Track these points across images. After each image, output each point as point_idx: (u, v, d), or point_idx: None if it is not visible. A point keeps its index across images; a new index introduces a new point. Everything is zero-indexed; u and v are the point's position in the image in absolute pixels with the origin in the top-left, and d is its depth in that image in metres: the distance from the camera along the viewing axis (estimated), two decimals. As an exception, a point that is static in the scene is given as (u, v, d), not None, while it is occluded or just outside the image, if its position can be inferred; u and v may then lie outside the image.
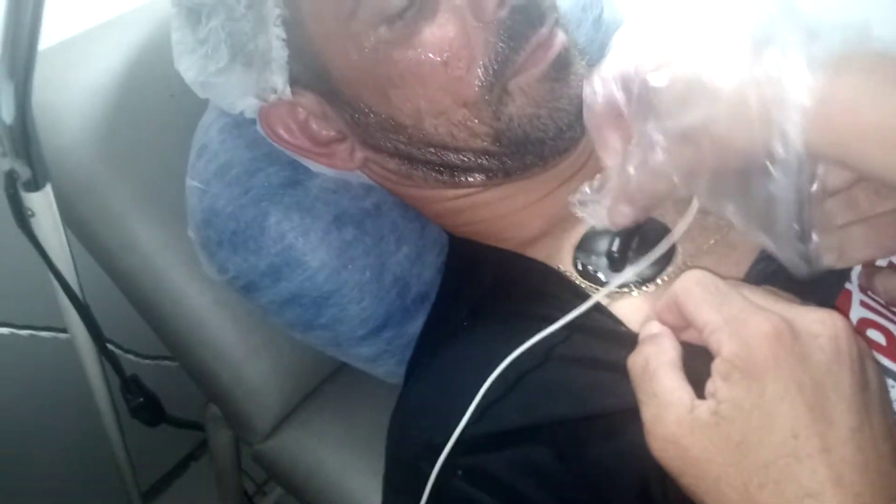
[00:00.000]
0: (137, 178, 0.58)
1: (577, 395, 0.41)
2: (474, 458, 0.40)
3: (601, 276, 0.46)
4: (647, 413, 0.32)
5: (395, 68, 0.44)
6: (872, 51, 0.30)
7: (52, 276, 0.59)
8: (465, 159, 0.48)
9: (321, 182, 0.52)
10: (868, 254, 0.37)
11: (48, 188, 0.54)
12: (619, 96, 0.35)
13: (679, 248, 0.46)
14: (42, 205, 0.54)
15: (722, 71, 0.31)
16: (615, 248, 0.46)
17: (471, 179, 0.50)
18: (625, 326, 0.44)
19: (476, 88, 0.44)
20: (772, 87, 0.29)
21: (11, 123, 0.47)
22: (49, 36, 0.45)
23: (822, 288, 0.41)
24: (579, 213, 0.40)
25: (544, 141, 0.46)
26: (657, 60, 0.33)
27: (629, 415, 0.33)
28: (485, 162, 0.48)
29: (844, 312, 0.42)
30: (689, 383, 0.32)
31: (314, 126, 0.50)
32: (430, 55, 0.43)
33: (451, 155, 0.48)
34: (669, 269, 0.46)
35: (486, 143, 0.46)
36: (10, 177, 0.52)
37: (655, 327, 0.34)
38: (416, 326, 0.55)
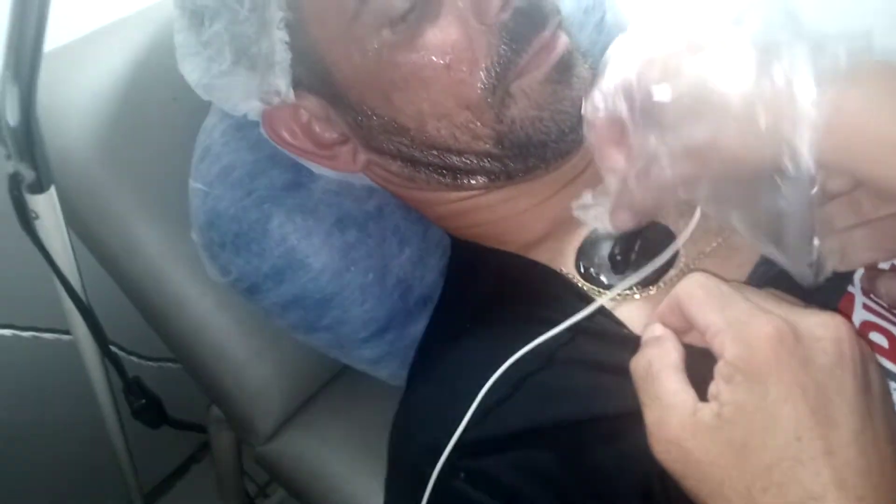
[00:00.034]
0: (140, 180, 0.58)
1: (579, 397, 0.41)
2: (477, 460, 0.40)
3: (604, 278, 0.46)
4: (650, 416, 0.32)
5: (397, 71, 0.44)
6: (878, 63, 0.30)
7: (55, 278, 0.59)
8: (468, 162, 0.48)
9: (324, 184, 0.52)
10: (871, 257, 0.37)
11: (52, 190, 0.54)
12: (622, 108, 0.35)
13: (682, 251, 0.46)
14: (46, 207, 0.54)
15: (729, 86, 0.31)
16: (618, 251, 0.46)
17: (473, 182, 0.50)
18: (627, 329, 0.44)
19: (478, 91, 0.44)
20: (781, 102, 0.29)
21: (16, 126, 0.48)
22: (53, 38, 0.45)
23: (825, 291, 0.41)
24: (581, 217, 0.40)
25: (547, 143, 0.46)
26: (660, 72, 0.33)
27: (632, 417, 0.33)
28: (487, 164, 0.48)
29: (847, 315, 0.42)
30: (692, 386, 0.32)
31: (317, 128, 0.50)
32: (433, 58, 0.43)
33: (454, 157, 0.48)
34: (672, 272, 0.46)
35: (488, 146, 0.47)
36: (15, 179, 0.52)
37: (658, 330, 0.34)
38: (418, 329, 0.55)
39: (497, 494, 0.39)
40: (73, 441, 0.93)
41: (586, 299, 0.45)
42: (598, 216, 0.39)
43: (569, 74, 0.45)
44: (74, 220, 0.58)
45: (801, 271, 0.33)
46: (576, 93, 0.45)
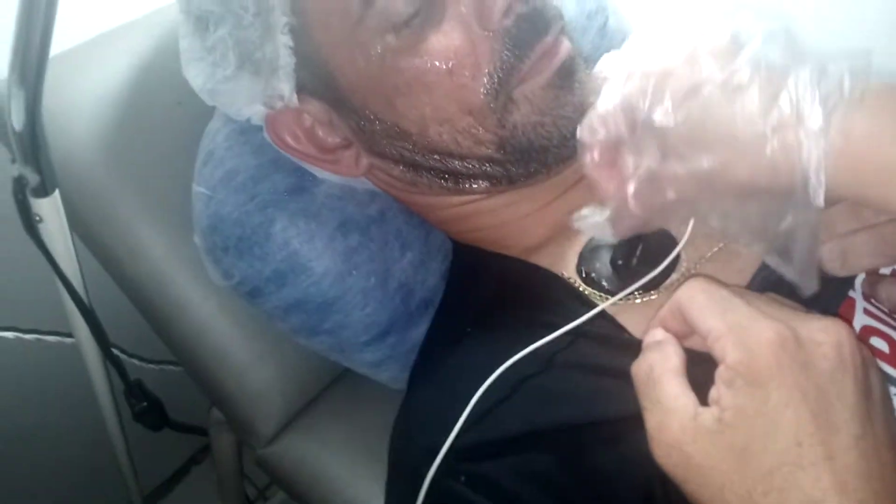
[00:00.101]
0: (144, 184, 0.58)
1: (580, 401, 0.41)
2: (477, 464, 0.40)
3: (605, 283, 0.46)
4: (651, 420, 0.32)
5: (401, 76, 0.44)
6: (883, 85, 0.30)
7: (58, 281, 0.59)
8: (470, 166, 0.48)
9: (326, 188, 0.52)
10: (872, 262, 0.37)
11: (56, 194, 0.54)
12: (620, 131, 0.34)
13: (683, 256, 0.46)
14: (50, 210, 0.55)
15: (734, 113, 0.31)
16: (619, 256, 0.46)
17: (475, 186, 0.50)
18: (628, 333, 0.44)
19: (481, 96, 0.44)
20: (788, 129, 0.30)
21: (21, 130, 0.48)
22: (58, 43, 0.45)
23: (826, 296, 0.41)
24: (580, 227, 0.40)
25: (548, 148, 0.46)
26: (660, 93, 0.32)
27: (633, 421, 0.33)
28: (489, 169, 0.48)
29: (848, 320, 0.42)
30: (693, 390, 0.32)
31: (320, 133, 0.50)
32: (436, 63, 0.43)
33: (456, 162, 0.48)
34: (673, 277, 0.46)
35: (490, 151, 0.47)
36: (19, 182, 0.52)
37: (659, 334, 0.35)
38: (419, 332, 0.55)
39: (497, 498, 0.39)
40: (75, 443, 0.93)
41: (588, 304, 0.45)
42: (597, 226, 0.39)
43: (571, 80, 0.46)
44: (78, 223, 0.58)
45: (804, 283, 0.34)
46: (578, 98, 0.45)
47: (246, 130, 0.52)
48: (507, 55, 0.44)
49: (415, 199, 0.55)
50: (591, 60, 0.49)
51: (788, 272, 0.34)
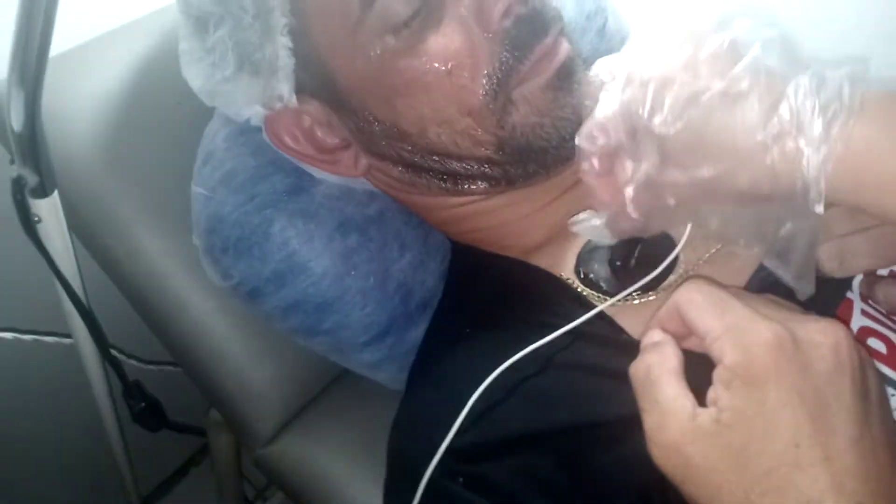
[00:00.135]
0: (143, 184, 0.58)
1: (578, 402, 0.41)
2: (476, 465, 0.40)
3: (603, 284, 0.46)
4: (649, 421, 0.32)
5: (400, 77, 0.44)
6: (881, 94, 0.30)
7: (56, 282, 0.59)
8: (469, 167, 0.48)
9: (325, 189, 0.52)
10: (869, 263, 0.38)
11: (55, 195, 0.54)
12: (619, 139, 0.34)
13: (681, 257, 0.46)
14: (48, 211, 0.55)
15: (735, 122, 0.31)
16: (617, 257, 0.46)
17: (474, 187, 0.50)
18: (627, 334, 0.44)
19: (480, 97, 0.44)
20: (788, 138, 0.30)
21: (20, 130, 0.48)
22: (57, 44, 0.45)
23: (824, 297, 0.41)
24: (578, 231, 0.40)
25: (547, 150, 0.46)
26: (660, 103, 0.32)
27: (631, 422, 0.33)
28: (488, 170, 0.48)
29: (845, 321, 0.42)
30: (691, 391, 0.32)
31: (319, 134, 0.50)
32: (435, 64, 0.44)
33: (455, 163, 0.48)
34: (671, 278, 0.46)
35: (489, 152, 0.47)
36: (18, 183, 0.52)
37: (657, 335, 0.35)
38: (418, 333, 0.55)
39: (496, 499, 0.39)
40: (73, 444, 0.93)
41: (586, 305, 0.45)
42: (594, 229, 0.39)
43: (570, 81, 0.46)
44: (77, 224, 0.58)
45: (801, 286, 0.34)
46: (577, 100, 0.45)
47: (245, 131, 0.53)
48: (506, 56, 0.44)
49: (414, 200, 0.55)
50: (590, 62, 0.49)
51: (786, 275, 0.34)
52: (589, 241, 0.48)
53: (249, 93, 0.49)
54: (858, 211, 0.31)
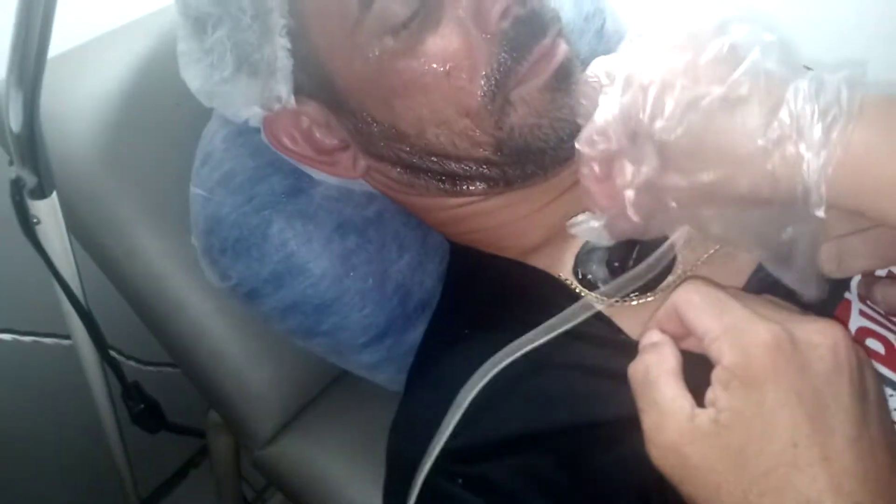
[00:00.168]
0: (141, 186, 0.58)
1: (577, 402, 0.41)
2: (474, 466, 0.40)
3: (601, 285, 0.46)
4: (648, 421, 0.32)
5: (398, 78, 0.44)
6: (880, 97, 0.30)
7: (55, 283, 0.59)
8: (467, 168, 0.48)
9: (324, 190, 0.52)
10: (867, 264, 0.38)
11: (54, 196, 0.54)
12: (619, 143, 0.34)
13: (679, 258, 0.47)
14: (47, 212, 0.55)
15: (735, 128, 0.31)
16: (615, 258, 0.46)
17: (472, 188, 0.50)
18: (625, 335, 0.44)
19: (478, 98, 0.44)
20: (788, 143, 0.30)
21: (19, 132, 0.48)
22: (56, 44, 0.45)
23: (822, 297, 0.41)
24: (576, 233, 0.40)
25: (545, 150, 0.46)
26: (660, 107, 0.32)
27: (629, 423, 0.33)
28: (486, 171, 0.48)
29: (844, 322, 0.42)
30: (690, 391, 0.32)
31: (318, 135, 0.50)
32: (434, 65, 0.44)
33: (453, 164, 0.48)
34: (670, 279, 0.46)
35: (487, 153, 0.47)
36: (17, 184, 0.52)
37: (656, 336, 0.35)
38: (417, 334, 0.55)
39: (495, 499, 0.39)
40: (72, 445, 0.93)
41: (585, 306, 0.45)
42: (592, 231, 0.39)
43: (568, 82, 0.46)
44: (75, 225, 0.58)
45: (804, 290, 0.34)
46: (574, 100, 0.45)
47: (243, 132, 0.53)
48: (504, 57, 0.44)
49: (412, 201, 0.55)
50: (588, 63, 0.49)
51: (788, 279, 0.34)
52: (587, 242, 0.48)
53: (248, 94, 0.49)
54: (857, 214, 0.31)
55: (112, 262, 0.59)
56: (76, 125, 0.57)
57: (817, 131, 0.29)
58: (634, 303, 0.45)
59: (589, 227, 0.39)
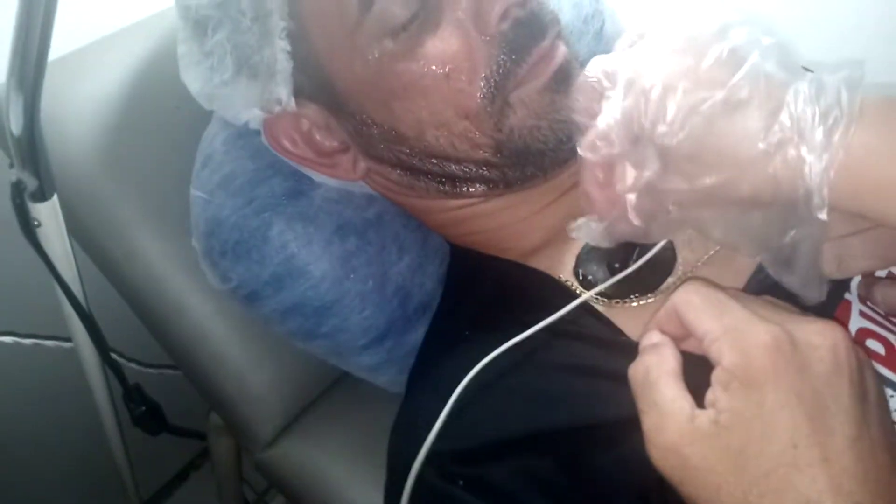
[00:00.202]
0: (142, 188, 0.58)
1: (577, 403, 0.41)
2: (475, 467, 0.40)
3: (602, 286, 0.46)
4: (648, 422, 0.32)
5: (398, 80, 0.44)
6: (880, 99, 0.30)
7: (56, 286, 0.59)
8: (467, 170, 0.48)
9: (324, 192, 0.53)
10: (867, 265, 0.38)
11: (54, 199, 0.54)
12: (621, 147, 0.34)
13: (680, 259, 0.47)
14: (48, 215, 0.55)
15: (736, 131, 0.31)
16: (616, 259, 0.46)
17: (472, 190, 0.50)
18: (625, 336, 0.44)
19: (478, 100, 0.44)
20: (789, 146, 0.30)
21: (20, 134, 0.48)
22: (56, 47, 0.46)
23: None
24: (577, 236, 0.40)
25: (545, 152, 0.46)
26: (662, 112, 0.32)
27: (630, 424, 0.33)
28: (486, 173, 0.48)
29: (844, 323, 0.42)
30: (690, 393, 0.32)
31: (318, 137, 0.50)
32: (433, 67, 0.44)
33: (453, 166, 0.48)
34: (670, 280, 0.46)
35: (487, 155, 0.47)
36: (18, 187, 0.52)
37: (656, 337, 0.35)
38: (417, 336, 0.55)
39: (495, 501, 0.39)
40: (73, 448, 0.93)
41: (587, 308, 0.45)
42: (593, 234, 0.39)
43: (567, 84, 0.46)
44: (76, 227, 0.58)
45: (808, 293, 0.34)
46: (572, 98, 0.45)
47: (244, 134, 0.53)
48: (503, 59, 0.44)
49: (412, 203, 0.55)
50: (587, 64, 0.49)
51: (791, 282, 0.34)
52: (587, 243, 0.48)
53: (248, 96, 0.49)
54: (858, 216, 0.31)
55: (113, 264, 0.59)
56: (76, 128, 0.57)
57: (819, 134, 0.29)
58: (635, 304, 0.45)
59: (589, 230, 0.39)
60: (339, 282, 0.52)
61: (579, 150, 0.37)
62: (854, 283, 0.44)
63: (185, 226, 0.55)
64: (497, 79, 0.44)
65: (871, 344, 0.41)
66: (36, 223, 0.55)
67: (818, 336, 0.31)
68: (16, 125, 0.47)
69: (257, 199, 0.51)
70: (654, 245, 0.45)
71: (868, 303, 0.43)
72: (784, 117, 0.30)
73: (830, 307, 0.43)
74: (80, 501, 1.00)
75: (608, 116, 0.35)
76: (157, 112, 0.59)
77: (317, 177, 0.52)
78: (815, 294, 0.34)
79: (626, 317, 0.45)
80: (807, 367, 0.30)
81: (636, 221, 0.36)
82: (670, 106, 0.32)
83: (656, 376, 0.33)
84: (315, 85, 0.48)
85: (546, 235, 0.51)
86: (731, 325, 0.32)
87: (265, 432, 0.64)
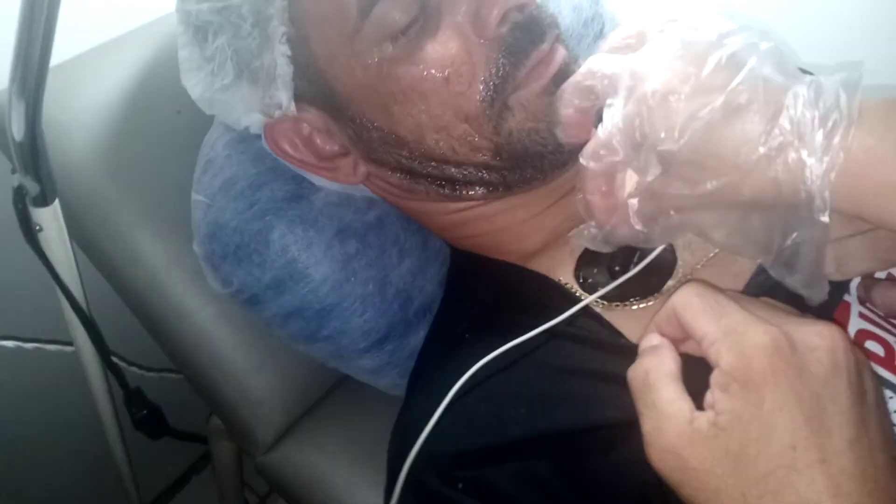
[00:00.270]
0: (143, 193, 0.58)
1: (577, 406, 0.41)
2: (475, 470, 0.40)
3: (601, 289, 0.46)
4: (647, 424, 0.32)
5: (397, 84, 0.45)
6: (879, 101, 0.30)
7: (58, 290, 0.60)
8: (466, 173, 0.48)
9: (325, 196, 0.53)
10: (866, 266, 0.38)
11: (56, 203, 0.54)
12: (622, 154, 0.34)
13: (680, 261, 0.47)
14: (49, 220, 0.55)
15: (736, 135, 0.31)
16: (617, 261, 0.46)
17: (472, 193, 0.50)
18: (625, 338, 0.44)
19: (477, 103, 0.44)
20: (791, 150, 0.30)
21: (21, 140, 0.48)
22: (58, 53, 0.46)
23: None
24: (578, 242, 0.40)
25: (544, 155, 0.46)
26: (663, 118, 0.33)
27: (629, 426, 0.33)
28: (485, 175, 0.48)
29: (843, 324, 0.42)
30: (689, 395, 0.32)
31: (318, 141, 0.51)
32: (433, 71, 0.44)
33: (452, 169, 0.48)
34: (670, 283, 0.46)
35: (486, 158, 0.47)
36: (19, 192, 0.53)
37: (655, 339, 0.35)
38: (417, 339, 0.55)
39: (496, 503, 0.39)
40: (74, 452, 0.93)
41: (587, 310, 0.45)
42: (594, 239, 0.39)
43: None
44: (78, 232, 0.59)
45: (812, 293, 0.34)
46: (560, 90, 0.45)
47: (244, 139, 0.53)
48: (502, 62, 0.44)
49: (412, 206, 0.55)
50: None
51: (795, 283, 0.34)
52: (587, 246, 0.48)
53: (248, 101, 0.49)
54: (858, 218, 0.31)
55: (114, 268, 0.59)
56: (78, 133, 0.57)
57: (819, 137, 0.30)
58: (635, 307, 0.45)
59: (590, 235, 0.39)
60: (340, 285, 0.52)
61: (581, 160, 0.37)
62: (853, 285, 0.44)
63: (186, 230, 0.55)
64: (496, 82, 0.44)
65: (871, 345, 0.41)
66: (38, 228, 0.55)
67: (817, 337, 0.31)
68: (18, 130, 0.48)
69: (258, 203, 0.51)
70: (654, 248, 0.46)
71: (867, 304, 0.43)
72: (784, 121, 0.30)
73: (829, 309, 0.43)
74: (81, 505, 1.01)
75: (609, 124, 0.35)
76: (158, 117, 0.60)
77: (317, 181, 0.53)
78: (820, 294, 0.34)
79: (626, 319, 0.45)
80: (805, 369, 0.30)
81: (638, 226, 0.36)
82: (671, 112, 0.32)
83: (655, 378, 0.33)
84: (315, 89, 0.48)
85: (546, 238, 0.51)
86: (730, 326, 0.32)
87: (266, 436, 0.64)
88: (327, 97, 0.48)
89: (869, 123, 0.30)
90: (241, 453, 0.83)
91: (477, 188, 0.50)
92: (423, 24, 0.43)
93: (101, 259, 0.60)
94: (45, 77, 0.45)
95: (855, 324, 0.42)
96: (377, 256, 0.53)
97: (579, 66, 0.48)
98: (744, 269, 0.45)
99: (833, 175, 0.30)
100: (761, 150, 0.31)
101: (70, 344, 0.67)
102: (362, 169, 0.52)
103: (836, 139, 0.29)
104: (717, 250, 0.47)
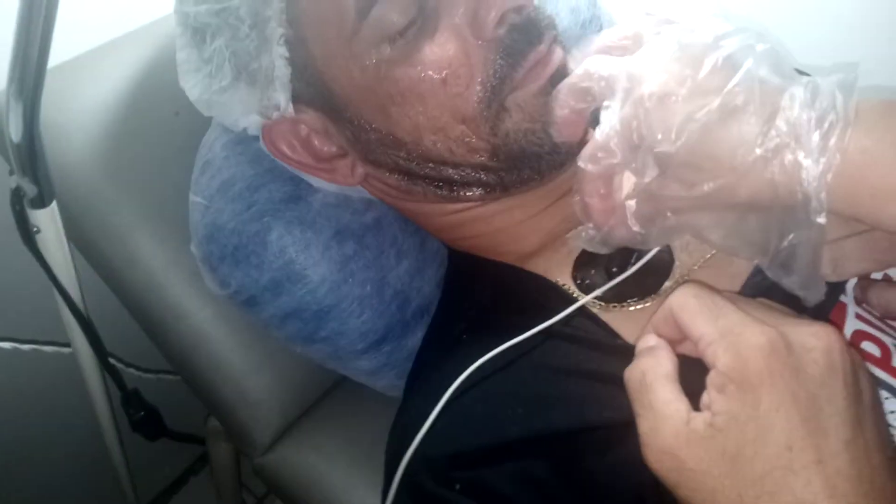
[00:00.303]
0: (141, 194, 0.58)
1: (574, 407, 0.41)
2: (472, 471, 0.40)
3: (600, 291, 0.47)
4: (644, 425, 0.32)
5: (395, 86, 0.45)
6: (875, 102, 0.30)
7: (55, 292, 0.60)
8: (464, 174, 0.49)
9: (322, 197, 0.53)
10: (863, 267, 0.38)
11: (53, 205, 0.54)
12: (620, 157, 0.35)
13: (677, 262, 0.47)
14: (47, 221, 0.55)
15: (733, 137, 0.31)
16: (614, 263, 0.46)
17: (469, 194, 0.50)
18: (622, 339, 0.44)
19: (474, 105, 0.45)
20: (788, 151, 0.30)
21: (19, 141, 0.48)
22: (55, 54, 0.46)
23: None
24: (576, 244, 0.40)
25: (541, 155, 0.47)
26: (660, 120, 0.33)
27: (626, 427, 0.33)
28: (483, 177, 0.49)
29: (839, 325, 0.42)
30: (686, 395, 0.32)
31: (316, 142, 0.51)
32: (430, 73, 0.44)
33: (450, 170, 0.48)
34: (667, 284, 0.46)
35: (483, 159, 0.47)
36: (17, 194, 0.53)
37: (652, 340, 0.35)
38: (415, 340, 0.55)
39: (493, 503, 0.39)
40: (72, 453, 0.93)
41: (584, 311, 0.45)
42: (592, 241, 0.39)
43: None
44: (75, 233, 0.59)
45: (809, 294, 0.34)
46: (555, 90, 0.46)
47: (242, 140, 0.53)
48: (500, 64, 0.44)
49: (410, 207, 0.55)
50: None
51: (791, 284, 0.34)
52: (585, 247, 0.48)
53: (246, 102, 0.49)
54: (854, 219, 0.31)
55: (112, 270, 0.59)
56: (76, 135, 0.57)
57: (815, 138, 0.30)
58: (632, 308, 0.45)
59: (588, 237, 0.39)
60: (338, 286, 0.52)
61: (579, 163, 0.37)
62: (850, 286, 0.44)
63: (183, 231, 0.55)
64: (493, 83, 0.44)
65: (867, 346, 0.41)
66: (35, 229, 0.55)
67: (813, 338, 0.31)
68: (15, 132, 0.48)
69: (256, 205, 0.51)
70: (651, 249, 0.46)
71: (863, 305, 0.43)
72: (780, 122, 0.31)
73: (826, 310, 0.43)
74: (79, 507, 1.00)
75: (607, 126, 0.35)
76: (156, 118, 0.60)
77: (315, 182, 0.53)
78: (816, 295, 0.34)
79: (623, 320, 0.45)
80: (801, 370, 0.30)
81: (635, 227, 0.36)
82: (667, 114, 0.32)
83: (652, 379, 0.33)
84: (313, 91, 0.48)
85: (543, 239, 0.51)
86: (727, 327, 0.32)
87: (264, 437, 0.64)
88: (325, 99, 0.48)
89: (865, 124, 0.30)
90: (238, 454, 0.83)
91: (474, 189, 0.50)
92: (420, 25, 0.43)
93: (98, 260, 0.60)
94: (42, 78, 0.45)
95: (851, 325, 0.42)
96: (375, 258, 0.53)
97: (576, 65, 0.48)
98: (740, 271, 0.46)
99: (829, 176, 0.30)
100: (758, 151, 0.31)
101: (67, 345, 0.67)
102: (360, 170, 0.52)
103: (833, 140, 0.29)
104: (714, 251, 0.47)
